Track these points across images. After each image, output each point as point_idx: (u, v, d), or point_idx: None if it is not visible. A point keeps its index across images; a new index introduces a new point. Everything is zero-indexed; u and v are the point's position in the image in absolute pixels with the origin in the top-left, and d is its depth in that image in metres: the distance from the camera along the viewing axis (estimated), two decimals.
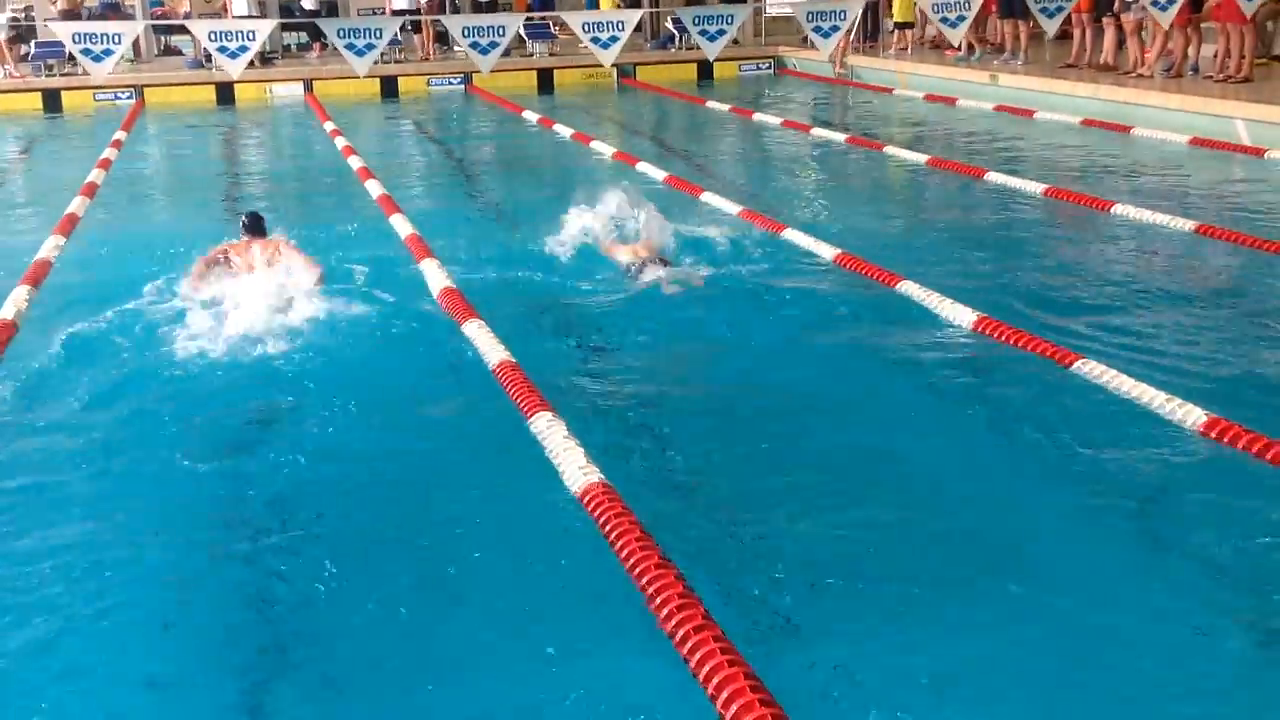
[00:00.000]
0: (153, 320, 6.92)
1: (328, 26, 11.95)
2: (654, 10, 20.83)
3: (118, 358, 6.54)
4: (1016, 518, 4.63)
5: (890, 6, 20.17)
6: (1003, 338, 6.33)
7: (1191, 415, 5.16)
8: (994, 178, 10.73)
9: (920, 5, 17.52)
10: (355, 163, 12.16)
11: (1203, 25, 14.88)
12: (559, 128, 14.70)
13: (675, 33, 21.74)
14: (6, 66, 19.48)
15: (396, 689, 3.64)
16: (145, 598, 4.14)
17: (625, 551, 4.04)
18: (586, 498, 4.46)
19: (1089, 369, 5.76)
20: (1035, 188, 10.23)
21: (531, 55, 21.24)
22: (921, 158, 12.01)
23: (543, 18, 20.51)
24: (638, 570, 3.91)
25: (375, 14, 21.27)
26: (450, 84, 20.23)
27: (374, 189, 10.73)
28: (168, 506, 4.83)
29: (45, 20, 20.41)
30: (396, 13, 20.61)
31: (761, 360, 6.47)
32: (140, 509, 4.78)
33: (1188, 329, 6.70)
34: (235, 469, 5.22)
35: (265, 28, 11.87)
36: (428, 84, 20.29)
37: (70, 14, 19.95)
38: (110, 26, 11.37)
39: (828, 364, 6.43)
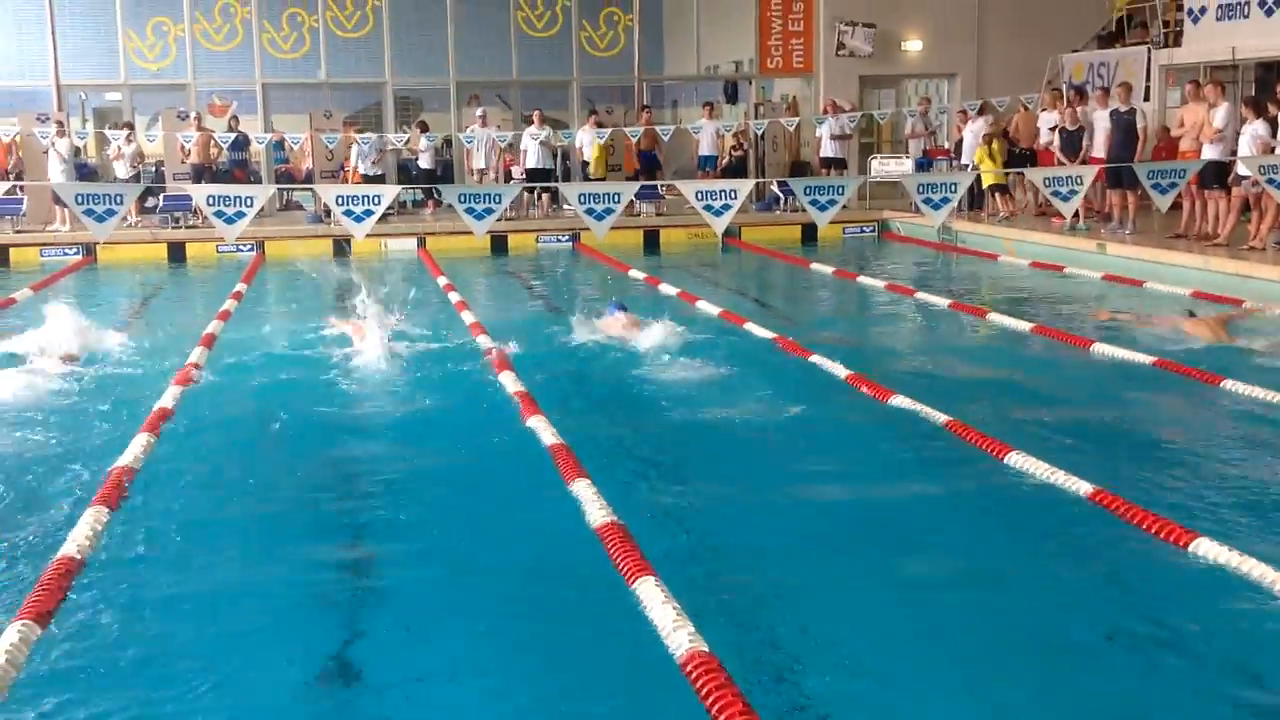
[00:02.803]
0: (272, 460, 7.10)
1: (449, 193, 12.39)
2: (761, 181, 21.26)
3: (235, 499, 6.71)
4: (1126, 702, 4.50)
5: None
6: (1119, 512, 6.21)
7: None
8: (1102, 349, 10.59)
9: (1032, 179, 17.54)
10: (468, 318, 12.44)
11: None
12: (665, 287, 14.93)
13: (780, 195, 22.09)
14: (131, 219, 20.35)
15: None
16: None
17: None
18: (689, 665, 4.43)
19: (1206, 548, 5.62)
20: (1144, 359, 10.06)
21: (639, 215, 21.67)
22: (1026, 325, 11.92)
23: (656, 184, 20.97)
24: None
25: (487, 161, 21.98)
26: (559, 241, 20.69)
27: (485, 343, 10.94)
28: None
29: (175, 174, 21.40)
30: (530, 172, 21.33)
31: (869, 527, 6.43)
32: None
33: None
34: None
35: (390, 193, 12.32)
36: (536, 241, 20.78)
37: (201, 168, 20.89)
38: (242, 190, 11.88)
39: (939, 532, 6.37)
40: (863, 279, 16.07)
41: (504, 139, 22.35)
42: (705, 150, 22.64)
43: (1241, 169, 14.66)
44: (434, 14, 23.39)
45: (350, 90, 24.91)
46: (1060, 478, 6.74)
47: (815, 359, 10.20)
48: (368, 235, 12.42)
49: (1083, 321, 12.23)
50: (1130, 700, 4.52)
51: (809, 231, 20.72)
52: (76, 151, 20.48)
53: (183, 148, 21.42)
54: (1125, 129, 17.09)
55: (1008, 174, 19.14)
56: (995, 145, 19.55)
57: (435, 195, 21.54)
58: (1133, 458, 7.57)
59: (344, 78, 23.68)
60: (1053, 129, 18.75)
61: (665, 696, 4.41)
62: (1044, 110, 19.81)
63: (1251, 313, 12.13)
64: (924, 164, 22.17)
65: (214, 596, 5.54)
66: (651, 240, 20.95)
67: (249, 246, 19.56)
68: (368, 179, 20.97)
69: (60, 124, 20.45)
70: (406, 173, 23.35)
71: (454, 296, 14.11)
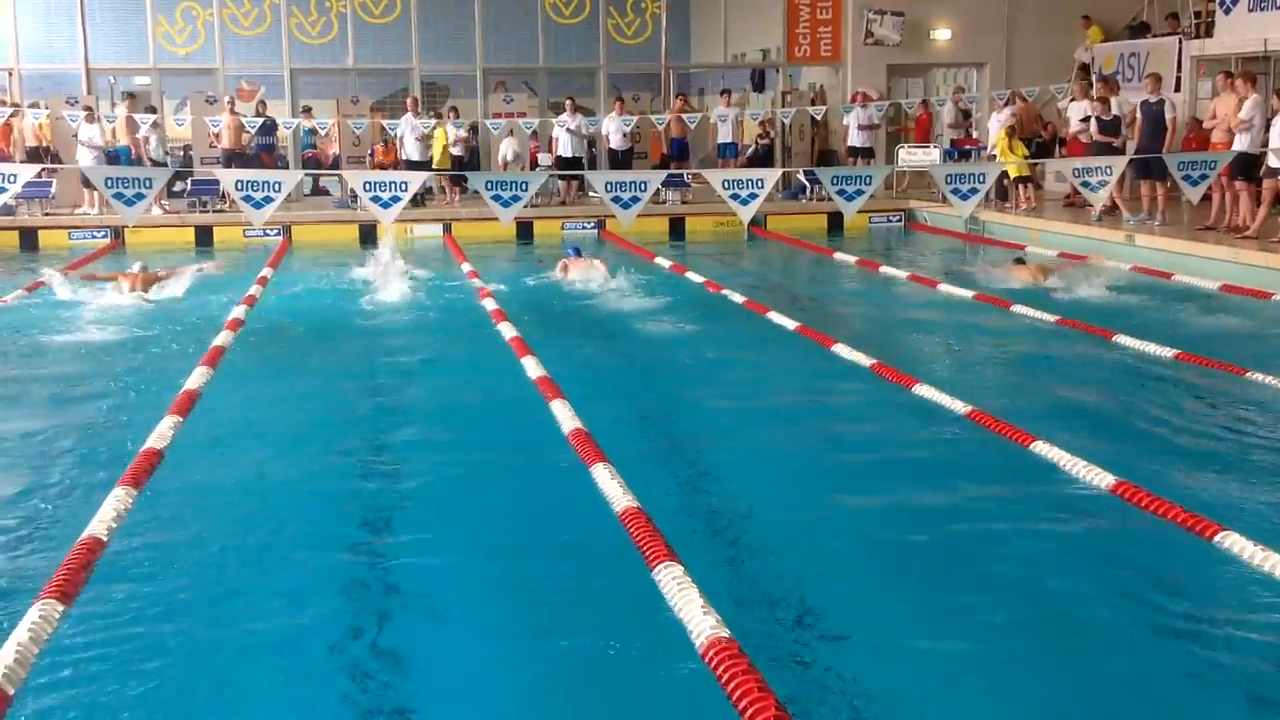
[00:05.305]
0: (294, 452, 7.13)
1: (476, 180, 12.40)
2: (788, 170, 21.21)
3: (261, 485, 6.75)
4: (1150, 701, 4.49)
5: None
6: (1141, 503, 6.18)
7: None
8: (1125, 340, 10.50)
9: (1060, 170, 17.44)
10: (490, 305, 12.47)
11: None
12: (690, 275, 14.93)
13: (807, 184, 22.02)
14: (163, 203, 20.45)
15: None
16: None
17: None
18: (710, 651, 4.43)
19: (1231, 542, 5.58)
20: (1167, 352, 9.95)
21: (664, 202, 21.65)
22: (1052, 317, 11.84)
23: (682, 172, 20.93)
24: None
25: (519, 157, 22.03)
26: (584, 228, 20.70)
27: (507, 331, 10.96)
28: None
29: (203, 159, 21.47)
30: (561, 160, 21.34)
31: (891, 514, 6.42)
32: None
33: None
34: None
35: (417, 179, 12.33)
36: (562, 227, 20.79)
37: (232, 153, 20.94)
38: (270, 175, 11.93)
39: (960, 520, 6.35)
40: (886, 269, 16.02)
41: (531, 125, 22.38)
42: (724, 138, 22.57)
43: (1273, 161, 14.55)
44: (461, 0, 23.40)
45: (377, 76, 24.96)
46: (1081, 469, 6.71)
47: (838, 348, 10.18)
48: (396, 220, 12.45)
49: (1109, 313, 12.13)
50: (1150, 692, 4.51)
51: (835, 220, 20.64)
52: (111, 133, 20.57)
53: (213, 132, 21.49)
54: (1154, 120, 16.96)
55: (1034, 164, 19.03)
56: (1003, 133, 19.44)
57: (462, 182, 21.57)
58: (1157, 450, 7.53)
59: (371, 63, 23.72)
60: (1084, 119, 18.62)
61: (686, 681, 4.42)
62: (1073, 100, 19.67)
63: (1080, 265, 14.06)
64: (952, 154, 22.06)
65: (236, 584, 5.58)
66: (677, 228, 20.94)
67: (276, 231, 19.64)
68: (412, 164, 20.95)
69: (90, 109, 20.56)
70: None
71: (477, 283, 14.14)
